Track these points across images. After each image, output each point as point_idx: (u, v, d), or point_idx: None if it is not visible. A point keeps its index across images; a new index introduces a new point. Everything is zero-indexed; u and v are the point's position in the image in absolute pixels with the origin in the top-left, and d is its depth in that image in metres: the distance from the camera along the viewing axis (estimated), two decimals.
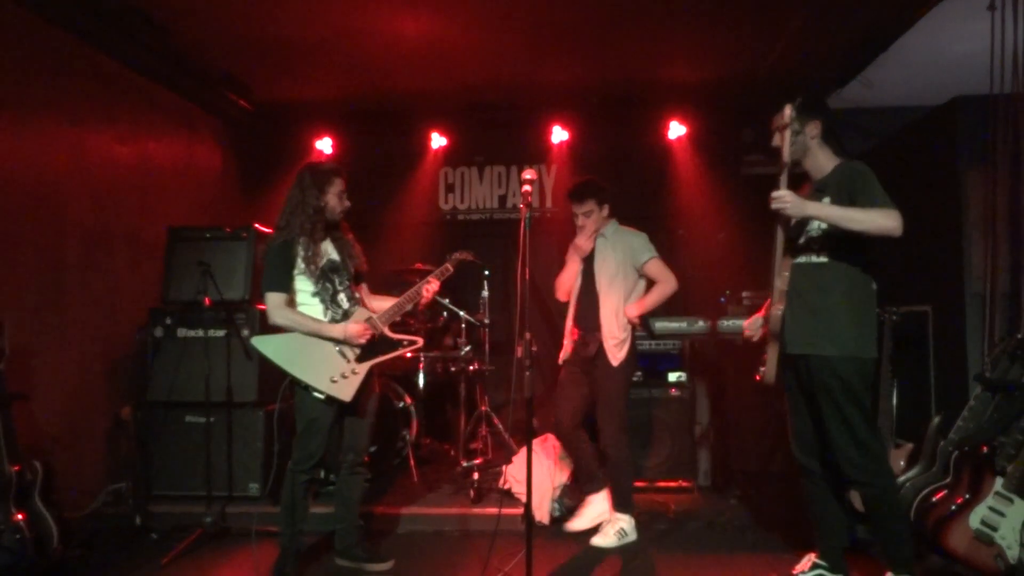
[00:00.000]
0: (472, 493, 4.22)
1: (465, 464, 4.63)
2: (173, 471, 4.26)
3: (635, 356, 3.86)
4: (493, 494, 4.25)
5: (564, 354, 3.93)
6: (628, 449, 3.79)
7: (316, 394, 3.12)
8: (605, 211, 3.86)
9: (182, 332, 4.36)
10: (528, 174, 2.93)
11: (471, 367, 4.89)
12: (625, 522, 3.73)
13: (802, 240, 2.91)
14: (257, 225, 4.51)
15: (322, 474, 4.28)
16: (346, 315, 3.22)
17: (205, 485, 3.94)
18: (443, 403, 5.64)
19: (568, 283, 3.95)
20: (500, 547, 3.25)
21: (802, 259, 2.91)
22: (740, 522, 4.00)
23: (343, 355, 3.17)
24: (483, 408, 5.01)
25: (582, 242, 3.83)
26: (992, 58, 3.59)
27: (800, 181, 2.98)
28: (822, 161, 2.94)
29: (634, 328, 3.83)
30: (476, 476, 4.31)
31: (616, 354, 3.72)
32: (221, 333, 4.21)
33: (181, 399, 4.26)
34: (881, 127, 5.31)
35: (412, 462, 4.70)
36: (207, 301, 4.01)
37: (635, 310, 3.76)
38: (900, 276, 4.39)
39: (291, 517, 3.21)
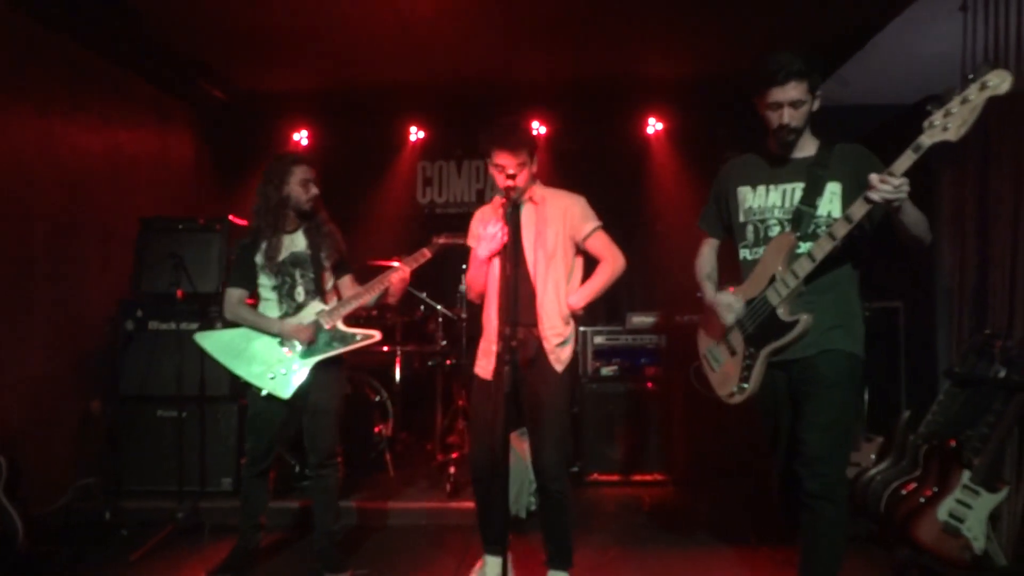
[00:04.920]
0: (449, 487, 4.21)
1: (442, 458, 4.62)
2: (144, 466, 4.18)
3: (577, 358, 3.30)
4: (470, 488, 4.22)
5: (484, 365, 3.01)
6: (570, 485, 2.99)
7: (258, 391, 3.12)
8: (535, 167, 2.96)
9: (154, 325, 4.29)
10: (510, 169, 2.86)
11: (448, 361, 4.88)
12: None
13: (810, 229, 2.46)
14: (232, 217, 4.45)
15: (296, 468, 4.27)
16: (299, 308, 3.17)
17: (177, 480, 3.88)
18: (420, 398, 5.62)
19: (482, 277, 3.05)
20: (476, 541, 3.24)
21: (805, 250, 2.43)
22: (714, 515, 4.03)
23: (286, 350, 3.13)
24: (460, 403, 5.00)
25: (496, 210, 2.91)
26: (963, 59, 3.64)
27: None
28: (806, 138, 2.56)
29: (577, 322, 3.03)
30: (453, 470, 4.30)
31: (560, 356, 2.92)
32: (194, 326, 4.14)
33: (153, 393, 4.19)
34: (856, 125, 5.37)
35: (388, 457, 4.68)
36: (179, 294, 3.95)
37: (581, 300, 2.96)
38: (872, 272, 4.45)
39: (243, 511, 3.28)
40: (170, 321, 4.24)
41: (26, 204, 4.07)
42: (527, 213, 2.98)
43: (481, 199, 6.40)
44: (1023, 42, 3.32)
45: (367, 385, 4.89)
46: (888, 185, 2.18)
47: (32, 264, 4.10)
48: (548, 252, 2.92)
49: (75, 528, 3.89)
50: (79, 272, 4.46)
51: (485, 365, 3.01)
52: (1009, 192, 3.45)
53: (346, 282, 3.34)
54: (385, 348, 5.17)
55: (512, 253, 2.82)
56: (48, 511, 4.00)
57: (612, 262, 2.98)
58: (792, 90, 2.41)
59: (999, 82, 2.08)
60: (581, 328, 5.02)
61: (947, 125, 2.15)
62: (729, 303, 2.59)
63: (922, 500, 3.20)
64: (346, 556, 3.41)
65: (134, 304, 4.33)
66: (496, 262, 2.94)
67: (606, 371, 4.79)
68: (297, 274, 3.18)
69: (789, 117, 2.44)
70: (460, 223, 3.25)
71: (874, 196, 2.21)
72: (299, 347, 3.13)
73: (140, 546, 3.56)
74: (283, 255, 3.16)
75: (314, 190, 3.20)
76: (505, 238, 2.77)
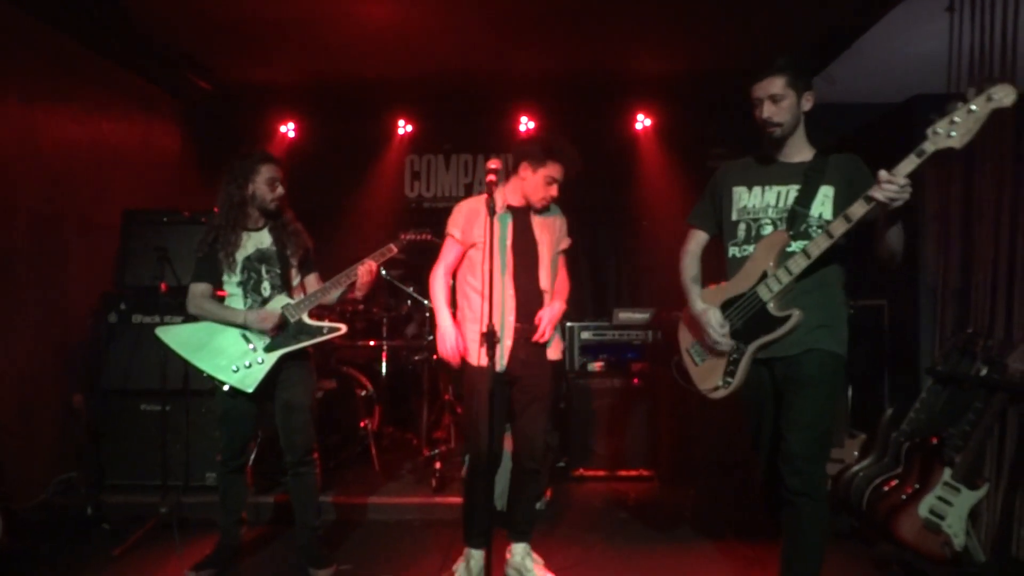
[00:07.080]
0: (434, 482, 4.21)
1: (428, 453, 4.62)
2: (127, 460, 4.16)
3: (564, 353, 3.37)
4: (456, 483, 4.24)
5: (495, 361, 2.91)
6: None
7: (221, 385, 3.09)
8: None
9: (137, 318, 4.25)
10: (493, 163, 2.90)
11: (434, 356, 4.86)
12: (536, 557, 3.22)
13: (802, 229, 2.50)
14: (217, 210, 4.41)
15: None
16: (265, 302, 3.14)
17: (160, 474, 3.85)
18: (406, 392, 5.61)
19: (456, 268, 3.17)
20: (461, 536, 3.24)
21: (798, 249, 2.47)
22: (699, 512, 4.05)
23: (249, 343, 3.10)
24: (446, 397, 5.00)
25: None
26: (950, 58, 3.66)
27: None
28: (801, 142, 2.59)
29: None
30: (439, 465, 4.30)
31: (557, 349, 3.20)
32: (178, 319, 4.11)
33: (136, 387, 4.16)
34: (843, 123, 5.40)
35: (374, 451, 4.67)
36: (163, 287, 3.91)
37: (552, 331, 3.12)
38: (857, 270, 4.48)
39: (223, 508, 3.27)
40: (154, 314, 4.21)
41: (8, 196, 4.02)
42: (538, 218, 3.16)
43: (469, 193, 6.38)
44: (1008, 42, 3.35)
45: (353, 379, 4.88)
46: (894, 184, 2.21)
47: (14, 256, 4.05)
48: (553, 257, 3.18)
49: (57, 523, 3.86)
50: (62, 265, 4.42)
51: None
52: (992, 192, 3.47)
53: (311, 280, 3.32)
54: (372, 342, 5.16)
55: (524, 253, 3.08)
56: (29, 506, 3.97)
57: (568, 287, 3.27)
58: (769, 85, 2.48)
59: (1003, 96, 2.14)
60: (568, 323, 5.03)
61: (951, 133, 2.19)
62: (717, 324, 2.61)
63: (903, 497, 3.23)
64: (330, 551, 3.41)
65: (117, 297, 4.30)
66: (496, 259, 2.96)
67: (593, 367, 4.80)
68: (263, 269, 3.16)
69: (768, 112, 2.50)
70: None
71: (878, 195, 2.23)
72: (263, 340, 3.10)
73: (123, 541, 3.53)
74: (248, 251, 3.14)
75: (280, 190, 3.17)
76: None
